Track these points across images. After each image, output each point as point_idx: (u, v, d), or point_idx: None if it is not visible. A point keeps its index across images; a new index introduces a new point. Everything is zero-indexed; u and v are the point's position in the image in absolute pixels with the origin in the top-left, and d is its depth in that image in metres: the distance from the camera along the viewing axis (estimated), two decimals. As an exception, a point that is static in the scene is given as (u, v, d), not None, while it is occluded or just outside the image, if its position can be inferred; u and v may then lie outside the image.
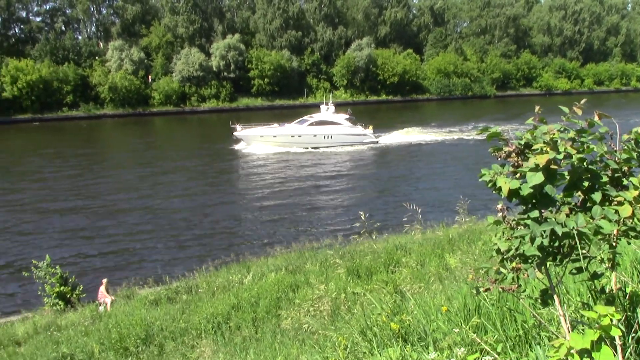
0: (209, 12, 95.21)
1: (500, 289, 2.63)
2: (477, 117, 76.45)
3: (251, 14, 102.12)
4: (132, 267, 22.95)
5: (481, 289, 2.69)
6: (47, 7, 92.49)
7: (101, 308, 15.14)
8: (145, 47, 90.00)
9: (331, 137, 51.87)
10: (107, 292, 15.99)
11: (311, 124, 51.69)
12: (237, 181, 41.27)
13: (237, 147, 51.54)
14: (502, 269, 2.61)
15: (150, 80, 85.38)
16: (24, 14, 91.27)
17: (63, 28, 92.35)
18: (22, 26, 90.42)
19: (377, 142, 53.92)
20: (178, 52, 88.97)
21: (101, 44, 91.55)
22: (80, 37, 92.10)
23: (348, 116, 53.16)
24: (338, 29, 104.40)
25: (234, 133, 51.05)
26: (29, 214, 31.53)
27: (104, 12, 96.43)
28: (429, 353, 3.24)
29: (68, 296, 15.95)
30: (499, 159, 2.56)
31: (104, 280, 16.34)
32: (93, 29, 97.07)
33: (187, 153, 51.35)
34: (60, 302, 15.73)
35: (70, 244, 26.35)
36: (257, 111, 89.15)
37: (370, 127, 54.57)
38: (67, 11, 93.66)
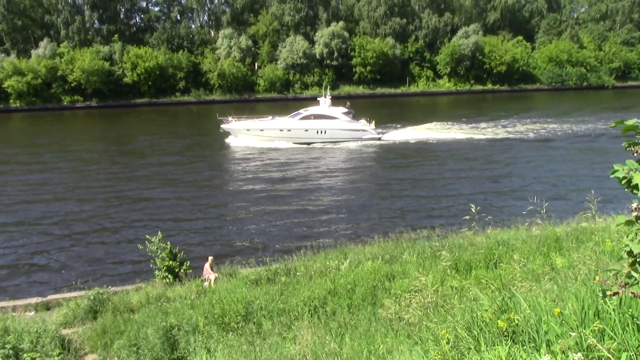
0: (314, 0, 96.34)
1: (630, 294, 2.43)
2: (588, 108, 71.55)
3: (356, 2, 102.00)
4: (235, 246, 24.00)
5: (608, 293, 2.50)
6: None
7: (205, 284, 15.91)
8: (252, 35, 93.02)
9: (325, 133, 48.11)
10: (212, 269, 16.77)
11: (303, 118, 48.16)
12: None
13: (227, 140, 49.53)
14: (633, 273, 2.41)
15: (256, 67, 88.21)
16: (144, 4, 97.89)
17: (178, 17, 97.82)
18: (142, 16, 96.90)
19: (380, 139, 49.58)
20: (283, 40, 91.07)
21: (212, 33, 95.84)
22: (193, 26, 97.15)
23: (346, 110, 49.37)
24: (444, 15, 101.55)
25: (221, 126, 48.88)
26: (144, 191, 33.90)
27: (216, 1, 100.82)
28: (540, 355, 3.08)
29: (176, 270, 16.92)
30: (635, 155, 2.35)
31: (210, 258, 17.16)
32: (205, 17, 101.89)
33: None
34: (169, 276, 16.72)
35: (180, 219, 28.02)
36: (358, 99, 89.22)
37: (374, 122, 50.40)
38: (182, 1, 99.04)
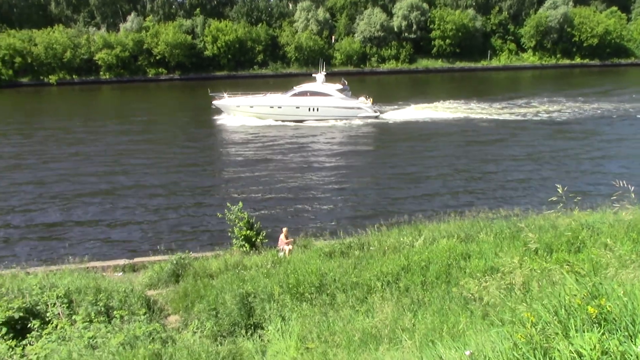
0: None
1: None
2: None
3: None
4: (310, 219, 24.41)
5: None
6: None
7: (281, 254, 16.32)
8: (330, 7, 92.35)
9: (317, 110, 46.72)
10: (287, 239, 17.18)
11: (296, 95, 46.95)
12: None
13: (218, 117, 48.92)
14: None
15: (333, 40, 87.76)
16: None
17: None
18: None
19: (377, 117, 47.73)
20: (361, 12, 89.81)
21: (290, 5, 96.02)
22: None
23: (341, 87, 47.61)
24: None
25: (213, 102, 48.28)
26: (222, 161, 35.06)
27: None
28: (636, 345, 2.94)
29: (253, 240, 17.45)
30: None
31: (285, 229, 17.56)
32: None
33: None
34: (246, 245, 17.27)
35: (257, 191, 28.79)
36: (435, 73, 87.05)
37: (371, 99, 48.45)
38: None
